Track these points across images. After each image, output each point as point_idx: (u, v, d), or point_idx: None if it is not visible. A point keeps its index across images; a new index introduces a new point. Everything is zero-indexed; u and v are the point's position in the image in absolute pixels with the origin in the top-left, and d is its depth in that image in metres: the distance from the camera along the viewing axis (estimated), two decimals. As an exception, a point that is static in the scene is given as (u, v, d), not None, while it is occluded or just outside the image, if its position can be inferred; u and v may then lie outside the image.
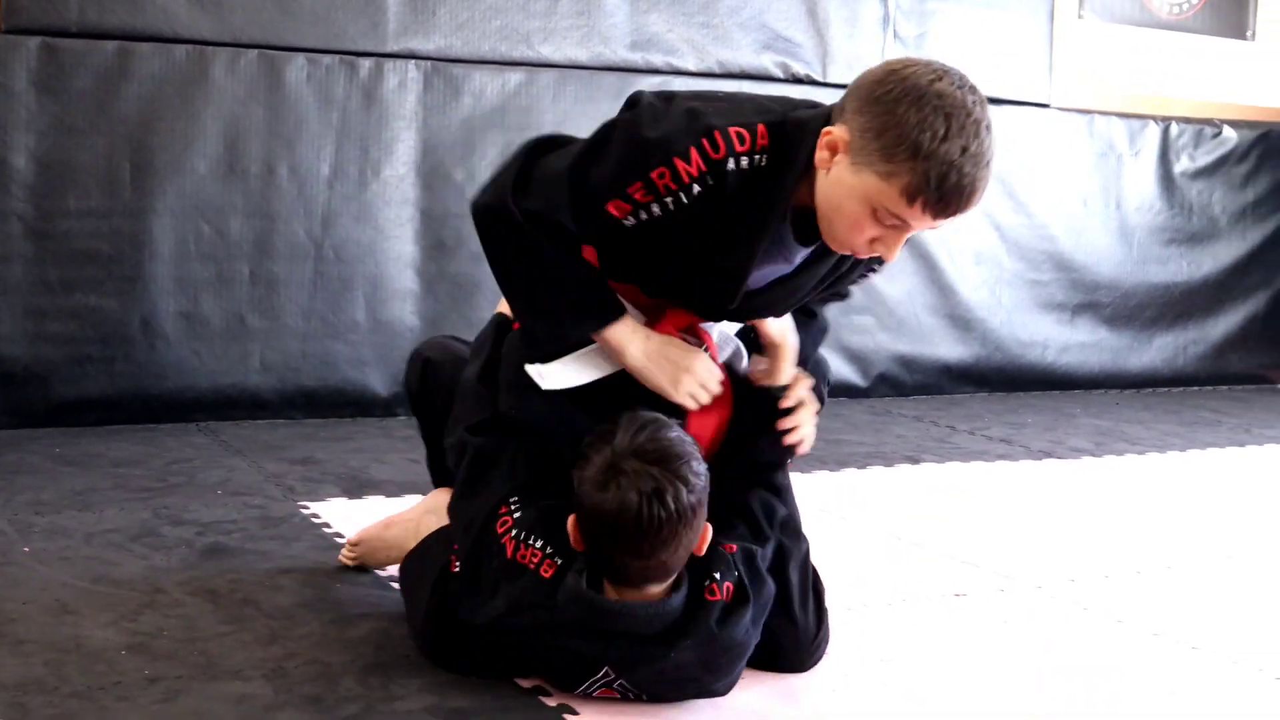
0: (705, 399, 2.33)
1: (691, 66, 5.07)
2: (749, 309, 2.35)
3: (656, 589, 2.17)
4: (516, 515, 2.25)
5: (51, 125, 4.18)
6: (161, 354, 4.35)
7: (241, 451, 4.02)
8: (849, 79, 2.13)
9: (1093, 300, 6.06)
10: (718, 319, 2.42)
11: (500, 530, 2.24)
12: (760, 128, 2.12)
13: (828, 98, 5.98)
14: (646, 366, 2.30)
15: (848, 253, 2.18)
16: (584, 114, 4.87)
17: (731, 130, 2.10)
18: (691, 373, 2.31)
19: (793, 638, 2.38)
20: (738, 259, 2.19)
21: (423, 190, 4.68)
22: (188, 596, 2.66)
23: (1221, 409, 5.73)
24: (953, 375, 5.77)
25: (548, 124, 4.81)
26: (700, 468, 2.17)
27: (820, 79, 5.29)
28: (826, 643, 2.46)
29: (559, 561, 2.17)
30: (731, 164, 2.10)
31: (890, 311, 5.61)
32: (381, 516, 2.93)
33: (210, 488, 3.57)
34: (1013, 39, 5.74)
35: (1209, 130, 6.31)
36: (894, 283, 5.59)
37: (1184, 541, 3.48)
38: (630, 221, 2.16)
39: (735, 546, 2.28)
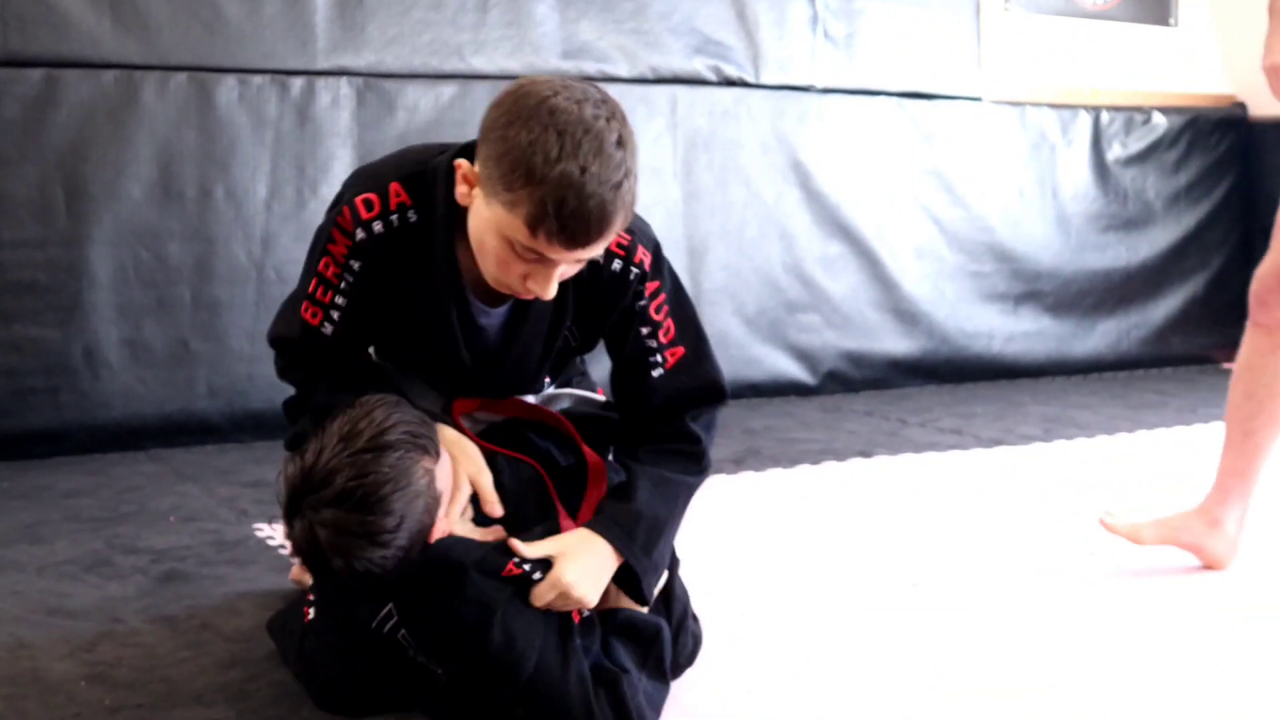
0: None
1: (624, 73, 5.07)
2: (495, 380, 2.27)
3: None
4: None
5: (-20, 156, 4.13)
6: (106, 383, 4.30)
7: (192, 477, 3.98)
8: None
9: (1034, 289, 6.11)
10: (464, 393, 2.31)
11: None
12: (393, 185, 2.06)
13: (761, 99, 5.91)
14: None
15: (510, 293, 2.03)
16: (520, 124, 4.86)
17: (358, 200, 2.06)
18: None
19: None
20: (437, 325, 2.14)
21: (362, 207, 4.65)
22: (145, 624, 2.63)
23: (1166, 390, 5.79)
24: (901, 369, 5.80)
25: (484, 136, 4.79)
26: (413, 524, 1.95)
27: (753, 80, 5.29)
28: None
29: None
30: (362, 233, 2.06)
31: (835, 309, 5.63)
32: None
33: (162, 515, 3.53)
34: (942, 34, 5.78)
35: (1139, 117, 6.38)
36: (838, 280, 5.62)
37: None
38: (328, 329, 2.15)
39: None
